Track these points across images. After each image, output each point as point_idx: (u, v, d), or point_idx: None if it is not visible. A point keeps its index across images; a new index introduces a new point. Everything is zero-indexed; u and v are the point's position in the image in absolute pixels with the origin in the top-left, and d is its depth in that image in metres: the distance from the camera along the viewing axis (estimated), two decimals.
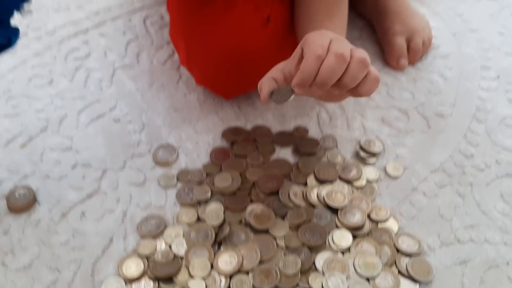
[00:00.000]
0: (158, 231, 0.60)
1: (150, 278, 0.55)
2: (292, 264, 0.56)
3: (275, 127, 0.73)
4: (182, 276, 0.55)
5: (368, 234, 0.59)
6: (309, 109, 0.75)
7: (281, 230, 0.59)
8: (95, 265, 0.57)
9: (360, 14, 0.89)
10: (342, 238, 0.58)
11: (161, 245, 0.58)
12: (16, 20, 0.61)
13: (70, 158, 0.68)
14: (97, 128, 0.72)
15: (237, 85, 0.74)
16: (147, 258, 0.57)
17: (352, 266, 0.56)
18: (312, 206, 0.62)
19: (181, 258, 0.57)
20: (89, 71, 0.80)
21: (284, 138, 0.71)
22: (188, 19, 0.70)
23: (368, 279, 0.55)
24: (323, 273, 0.56)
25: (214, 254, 0.57)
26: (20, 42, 0.83)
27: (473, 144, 0.70)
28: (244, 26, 0.67)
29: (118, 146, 0.70)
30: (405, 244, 0.58)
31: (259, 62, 0.66)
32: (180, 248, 0.57)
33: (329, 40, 0.52)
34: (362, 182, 0.65)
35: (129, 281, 0.55)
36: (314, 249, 0.58)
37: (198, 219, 0.61)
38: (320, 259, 0.57)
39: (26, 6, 0.63)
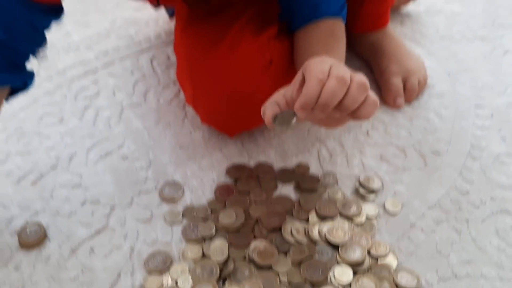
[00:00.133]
0: (164, 267, 0.61)
1: None
2: None
3: (277, 163, 0.75)
4: None
5: (368, 270, 0.61)
6: (309, 146, 0.78)
7: (283, 266, 0.61)
8: None
9: (357, 54, 0.93)
10: (343, 274, 0.60)
11: (167, 281, 0.60)
12: (31, 63, 0.64)
13: (79, 194, 0.70)
14: (105, 165, 0.75)
15: (241, 124, 0.77)
16: None
17: None
18: (314, 242, 0.64)
19: None
20: (98, 109, 0.84)
21: (286, 175, 0.74)
22: (194, 62, 0.74)
23: None
24: None
25: None
26: None
27: (469, 181, 0.73)
28: (248, 69, 0.71)
29: (126, 183, 0.72)
30: (404, 279, 0.60)
31: (261, 102, 0.69)
32: (186, 284, 0.59)
33: (329, 65, 0.54)
34: (362, 219, 0.67)
35: None
36: (316, 285, 0.59)
37: (203, 255, 0.63)
38: None
39: (41, 50, 0.67)
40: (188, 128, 0.81)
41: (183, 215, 0.68)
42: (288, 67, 0.74)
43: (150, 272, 0.61)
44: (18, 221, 0.67)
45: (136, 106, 0.84)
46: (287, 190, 0.72)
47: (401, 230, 0.66)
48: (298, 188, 0.72)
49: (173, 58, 0.91)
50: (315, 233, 0.65)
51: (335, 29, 0.71)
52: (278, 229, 0.65)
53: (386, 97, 0.84)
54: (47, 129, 0.80)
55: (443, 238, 0.65)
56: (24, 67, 0.64)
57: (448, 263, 0.63)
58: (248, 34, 0.73)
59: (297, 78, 0.57)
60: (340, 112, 0.55)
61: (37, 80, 0.89)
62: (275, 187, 0.72)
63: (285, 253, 0.63)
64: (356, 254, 0.62)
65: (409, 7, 1.04)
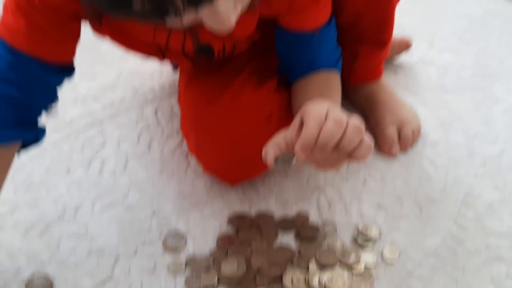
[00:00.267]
0: None
1: None
2: None
3: (278, 210, 0.78)
4: None
5: None
6: (309, 194, 0.81)
7: None
8: None
9: (353, 104, 0.97)
10: None
11: None
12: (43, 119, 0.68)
13: (85, 245, 0.72)
14: (110, 215, 0.77)
15: (242, 173, 0.79)
16: None
17: None
18: None
19: None
20: (104, 160, 0.86)
21: (287, 224, 0.76)
22: (197, 114, 0.78)
23: None
24: None
25: None
26: None
27: (464, 228, 0.75)
28: (249, 122, 0.74)
29: (130, 233, 0.74)
30: None
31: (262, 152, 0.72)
32: None
33: (326, 108, 0.57)
34: (360, 267, 0.69)
35: None
36: None
37: None
38: None
39: (53, 106, 0.70)
40: (191, 177, 0.84)
41: (186, 264, 0.70)
42: (287, 118, 0.77)
43: None
44: (25, 272, 0.68)
45: (140, 156, 0.87)
46: (287, 239, 0.74)
47: (399, 279, 0.68)
48: (298, 236, 0.74)
49: (177, 109, 0.94)
50: (315, 282, 0.66)
51: (330, 79, 0.75)
52: (279, 278, 0.67)
53: (381, 146, 0.87)
54: (54, 180, 0.83)
55: (440, 286, 0.67)
56: (36, 122, 0.68)
57: None
58: (250, 87, 0.77)
59: (296, 121, 0.59)
60: (338, 153, 0.57)
61: None
62: (276, 235, 0.74)
63: None
64: None
65: (402, 58, 1.09)
